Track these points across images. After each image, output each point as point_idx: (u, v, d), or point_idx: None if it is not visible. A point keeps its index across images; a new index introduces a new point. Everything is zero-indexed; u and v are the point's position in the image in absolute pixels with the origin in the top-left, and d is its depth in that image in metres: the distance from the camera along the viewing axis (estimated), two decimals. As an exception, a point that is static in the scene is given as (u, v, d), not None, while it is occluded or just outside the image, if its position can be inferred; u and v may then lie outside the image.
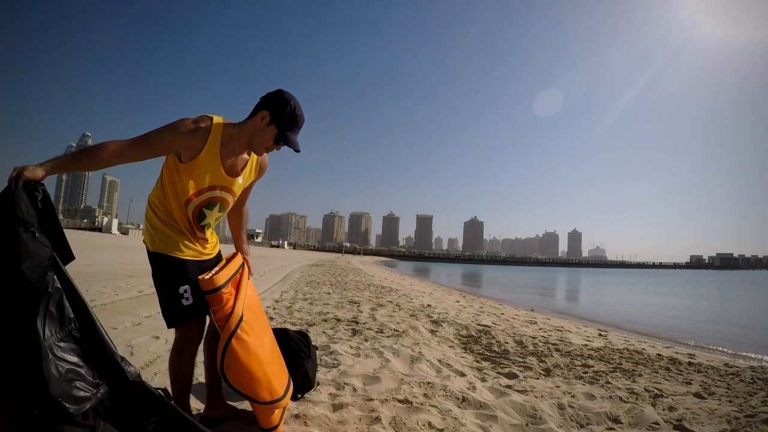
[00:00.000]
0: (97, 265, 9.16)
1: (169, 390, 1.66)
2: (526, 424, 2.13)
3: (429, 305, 7.37)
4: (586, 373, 3.34)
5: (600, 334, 5.92)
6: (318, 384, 2.44)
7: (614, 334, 6.28)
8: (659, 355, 4.41)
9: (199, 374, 2.51)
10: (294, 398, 2.23)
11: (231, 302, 1.60)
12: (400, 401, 2.27)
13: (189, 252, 1.66)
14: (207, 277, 1.57)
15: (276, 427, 1.70)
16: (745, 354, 5.65)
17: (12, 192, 1.28)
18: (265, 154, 1.74)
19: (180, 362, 1.70)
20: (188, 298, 1.61)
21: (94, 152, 1.46)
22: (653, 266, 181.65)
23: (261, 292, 7.21)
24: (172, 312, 1.63)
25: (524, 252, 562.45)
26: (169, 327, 1.68)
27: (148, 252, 1.66)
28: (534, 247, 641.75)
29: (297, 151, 1.67)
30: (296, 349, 2.40)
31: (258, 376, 1.61)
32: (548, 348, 4.25)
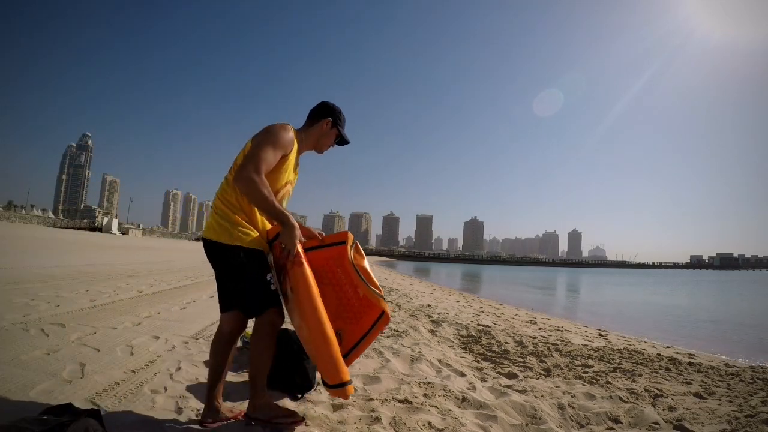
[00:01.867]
0: (97, 265, 9.16)
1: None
2: (526, 424, 2.13)
3: (429, 305, 7.37)
4: (586, 373, 3.34)
5: (600, 334, 5.92)
6: (318, 384, 2.43)
7: (614, 334, 6.28)
8: (659, 355, 4.41)
9: (199, 374, 2.52)
10: (294, 398, 2.23)
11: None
12: (400, 401, 2.27)
13: (263, 243, 1.88)
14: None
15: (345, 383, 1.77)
16: (745, 354, 5.65)
17: None
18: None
19: (268, 347, 1.85)
20: (273, 283, 1.83)
21: (264, 190, 1.72)
22: (653, 266, 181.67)
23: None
24: (262, 298, 1.81)
25: (524, 252, 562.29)
26: (255, 315, 1.83)
27: (225, 246, 1.80)
28: (534, 247, 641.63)
29: (348, 142, 2.13)
30: (296, 349, 2.40)
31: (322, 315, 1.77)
32: (548, 348, 4.25)
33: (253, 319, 1.88)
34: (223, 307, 1.94)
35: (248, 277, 1.82)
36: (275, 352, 1.99)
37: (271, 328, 1.84)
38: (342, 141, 2.12)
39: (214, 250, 1.85)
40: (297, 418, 1.90)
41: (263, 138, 1.81)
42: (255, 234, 1.85)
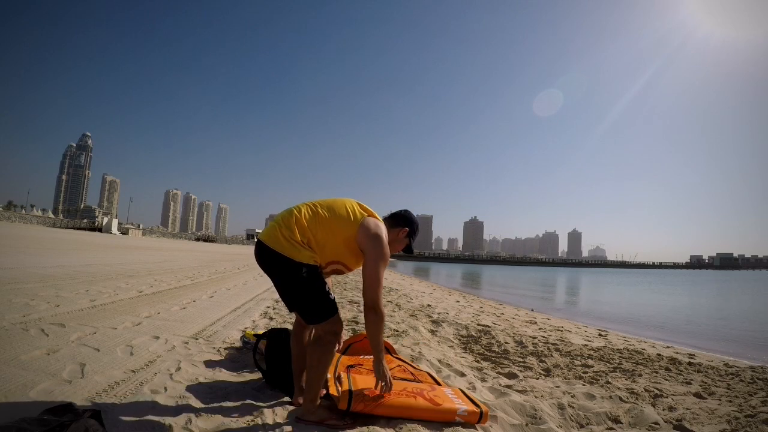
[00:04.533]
0: (97, 265, 9.15)
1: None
2: (526, 424, 2.13)
3: (429, 305, 7.37)
4: (586, 373, 3.34)
5: (600, 334, 5.92)
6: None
7: (614, 334, 6.28)
8: (659, 355, 4.41)
9: (199, 374, 2.52)
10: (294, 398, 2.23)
11: None
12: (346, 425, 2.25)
13: (317, 260, 2.01)
14: None
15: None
16: (745, 354, 5.65)
17: None
18: None
19: (329, 354, 1.97)
20: (331, 293, 1.99)
21: (378, 322, 1.96)
22: (653, 266, 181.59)
23: (261, 292, 7.21)
24: (325, 307, 1.95)
25: (524, 252, 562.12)
26: (318, 323, 1.96)
27: (290, 261, 1.91)
28: (534, 247, 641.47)
29: (412, 252, 2.32)
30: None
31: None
32: (548, 348, 4.25)
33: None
34: (289, 308, 2.08)
35: (310, 290, 1.95)
36: (275, 353, 2.03)
37: (333, 336, 1.97)
38: (408, 250, 2.28)
39: (276, 260, 1.95)
40: (346, 423, 1.96)
41: (380, 254, 1.98)
42: (315, 254, 1.98)
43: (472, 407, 2.06)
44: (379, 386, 2.02)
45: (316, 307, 1.95)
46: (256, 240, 2.08)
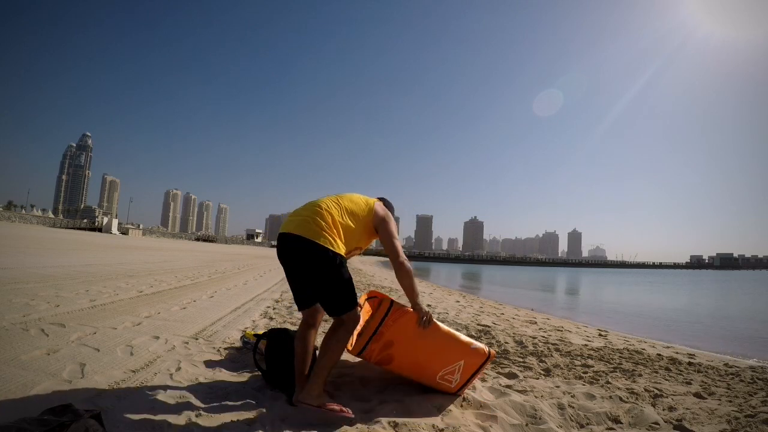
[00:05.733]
0: (97, 265, 9.15)
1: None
2: (526, 424, 2.13)
3: (429, 305, 7.37)
4: (586, 373, 3.34)
5: (600, 334, 5.92)
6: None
7: (614, 334, 6.27)
8: (659, 355, 4.40)
9: (199, 374, 2.52)
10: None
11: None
12: (400, 401, 2.27)
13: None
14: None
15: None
16: (745, 354, 5.65)
17: None
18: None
19: (346, 341, 2.13)
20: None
21: (409, 272, 2.26)
22: (653, 266, 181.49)
23: (261, 292, 7.21)
24: (353, 296, 2.14)
25: (524, 252, 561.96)
26: (346, 312, 2.11)
27: (327, 251, 2.06)
28: (534, 247, 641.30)
29: None
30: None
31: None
32: (548, 348, 4.24)
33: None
34: (303, 305, 2.25)
35: (344, 280, 2.11)
36: (275, 353, 2.05)
37: (352, 325, 2.14)
38: None
39: (311, 251, 2.06)
40: (346, 411, 2.02)
41: (393, 224, 2.34)
42: (343, 244, 2.18)
43: (482, 345, 2.45)
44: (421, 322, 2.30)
45: (347, 296, 2.12)
46: (281, 234, 2.16)
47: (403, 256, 2.26)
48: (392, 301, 2.39)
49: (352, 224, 2.22)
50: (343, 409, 2.01)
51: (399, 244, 2.32)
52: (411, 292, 2.29)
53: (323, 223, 2.11)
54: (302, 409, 2.01)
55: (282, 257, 2.18)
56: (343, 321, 2.11)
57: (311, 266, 2.08)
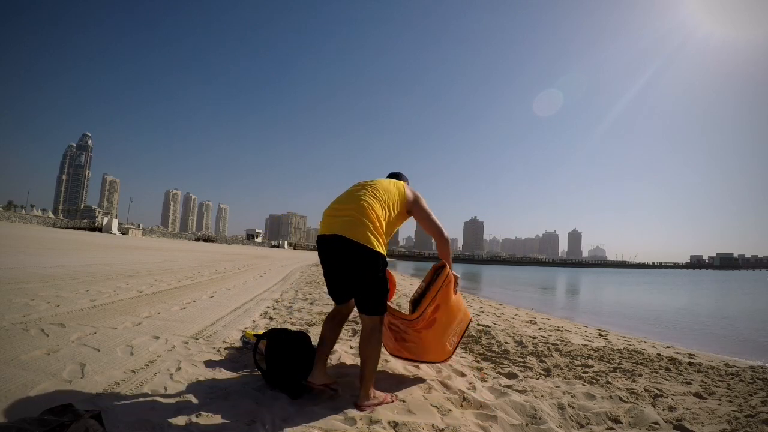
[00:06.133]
0: (97, 265, 9.15)
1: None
2: (526, 424, 2.13)
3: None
4: (586, 373, 3.34)
5: (600, 334, 5.91)
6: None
7: (614, 334, 6.27)
8: (659, 355, 4.40)
9: (199, 374, 2.52)
10: (294, 398, 2.23)
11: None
12: (399, 401, 2.27)
13: None
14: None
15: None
16: (745, 353, 5.65)
17: None
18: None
19: (380, 344, 2.24)
20: None
21: (450, 242, 2.54)
22: (653, 266, 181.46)
23: (261, 292, 7.21)
24: (385, 299, 2.23)
25: (524, 252, 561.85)
26: (382, 312, 2.22)
27: (372, 252, 2.11)
28: (534, 247, 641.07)
29: None
30: (300, 349, 2.39)
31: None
32: (548, 348, 4.24)
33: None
34: (340, 300, 2.34)
35: (380, 280, 2.18)
36: (275, 353, 2.07)
37: (382, 325, 2.25)
38: None
39: (359, 252, 2.11)
40: (395, 396, 2.27)
41: (424, 202, 2.48)
42: (385, 240, 2.25)
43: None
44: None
45: (384, 298, 2.21)
46: (327, 236, 2.18)
47: (446, 231, 2.45)
48: (445, 265, 2.57)
49: (392, 216, 2.28)
50: (391, 395, 2.25)
51: (436, 218, 2.45)
52: (450, 259, 2.53)
53: (370, 224, 2.12)
54: (303, 410, 2.01)
55: (327, 258, 2.22)
56: (375, 323, 2.18)
57: (358, 268, 2.13)
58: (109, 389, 2.14)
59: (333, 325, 2.38)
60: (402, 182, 2.48)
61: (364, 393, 2.14)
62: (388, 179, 2.48)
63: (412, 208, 2.41)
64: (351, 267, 2.13)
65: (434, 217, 2.45)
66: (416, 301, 2.67)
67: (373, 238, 2.11)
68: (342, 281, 2.24)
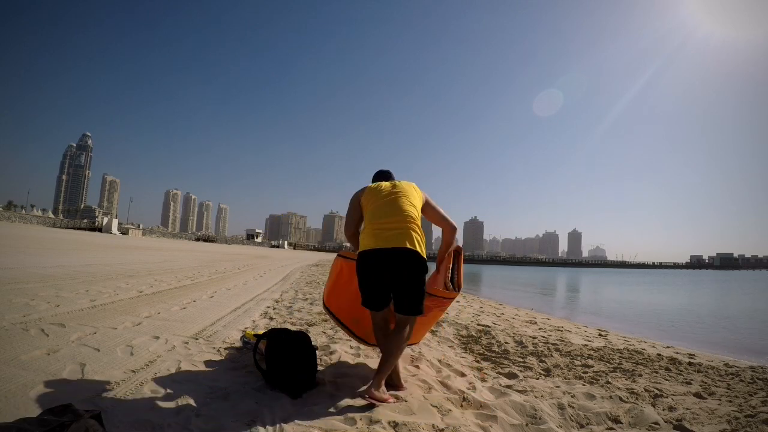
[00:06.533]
0: (97, 265, 9.15)
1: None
2: (526, 424, 2.13)
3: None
4: (586, 373, 3.34)
5: (600, 334, 5.92)
6: (318, 384, 2.44)
7: (614, 334, 6.27)
8: (659, 355, 4.40)
9: (200, 374, 2.52)
10: (294, 398, 2.23)
11: None
12: (400, 401, 2.27)
13: None
14: None
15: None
16: (745, 354, 5.65)
17: None
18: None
19: (407, 338, 2.37)
20: None
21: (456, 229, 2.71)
22: (653, 266, 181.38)
23: (261, 292, 7.21)
24: (423, 301, 2.39)
25: (524, 252, 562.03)
26: (422, 313, 2.39)
27: (418, 256, 2.32)
28: (534, 247, 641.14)
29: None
30: (301, 349, 2.39)
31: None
32: (548, 348, 4.25)
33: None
34: (381, 307, 2.41)
35: (422, 283, 2.37)
36: (275, 353, 2.08)
37: (414, 322, 2.41)
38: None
39: (416, 261, 2.32)
40: (399, 390, 2.40)
41: (438, 206, 2.65)
42: None
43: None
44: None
45: (422, 300, 2.37)
46: (389, 249, 2.30)
47: (452, 221, 2.64)
48: (461, 249, 2.78)
49: (419, 219, 2.49)
50: (392, 395, 2.29)
51: (445, 212, 2.64)
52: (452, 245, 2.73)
53: (416, 236, 2.35)
54: (303, 410, 2.01)
55: (383, 269, 2.31)
56: (413, 322, 2.37)
57: (414, 275, 2.31)
58: (109, 389, 2.14)
59: (387, 332, 2.44)
60: (414, 184, 2.64)
61: (378, 382, 2.18)
62: (408, 182, 2.63)
63: (426, 207, 2.58)
64: (409, 274, 2.30)
65: (444, 213, 2.63)
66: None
67: (421, 245, 2.35)
68: (388, 289, 2.36)
